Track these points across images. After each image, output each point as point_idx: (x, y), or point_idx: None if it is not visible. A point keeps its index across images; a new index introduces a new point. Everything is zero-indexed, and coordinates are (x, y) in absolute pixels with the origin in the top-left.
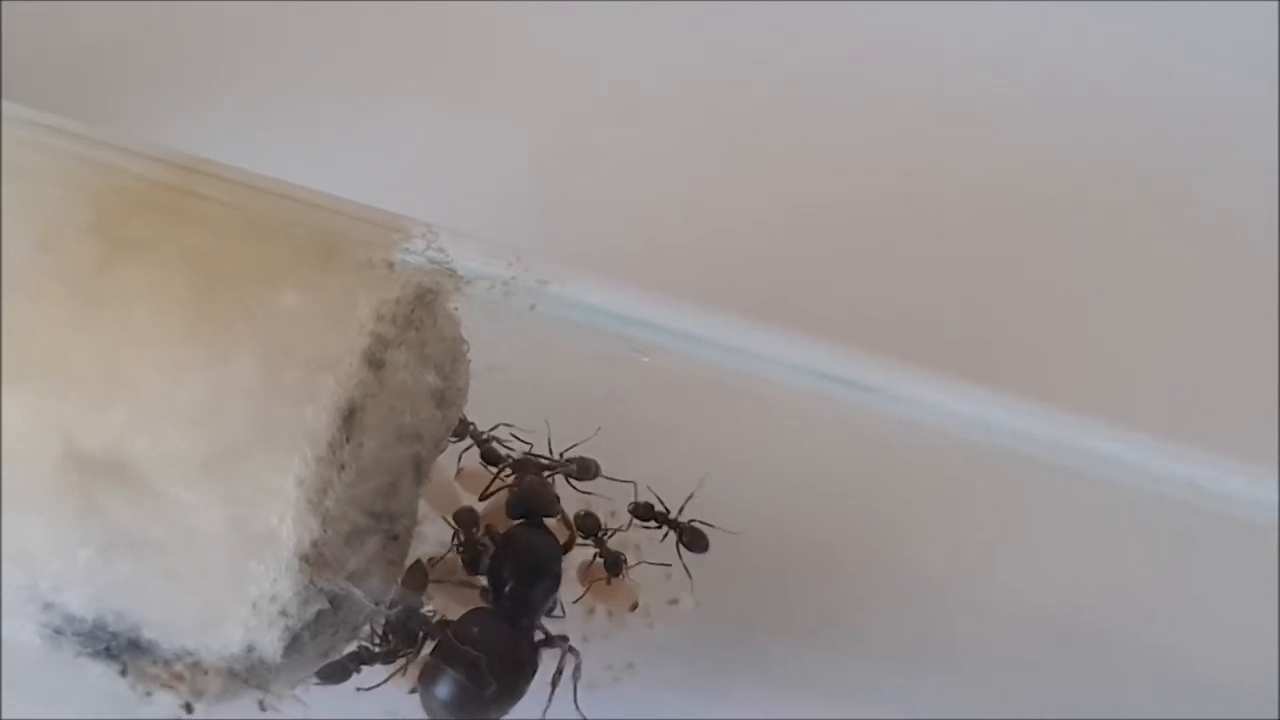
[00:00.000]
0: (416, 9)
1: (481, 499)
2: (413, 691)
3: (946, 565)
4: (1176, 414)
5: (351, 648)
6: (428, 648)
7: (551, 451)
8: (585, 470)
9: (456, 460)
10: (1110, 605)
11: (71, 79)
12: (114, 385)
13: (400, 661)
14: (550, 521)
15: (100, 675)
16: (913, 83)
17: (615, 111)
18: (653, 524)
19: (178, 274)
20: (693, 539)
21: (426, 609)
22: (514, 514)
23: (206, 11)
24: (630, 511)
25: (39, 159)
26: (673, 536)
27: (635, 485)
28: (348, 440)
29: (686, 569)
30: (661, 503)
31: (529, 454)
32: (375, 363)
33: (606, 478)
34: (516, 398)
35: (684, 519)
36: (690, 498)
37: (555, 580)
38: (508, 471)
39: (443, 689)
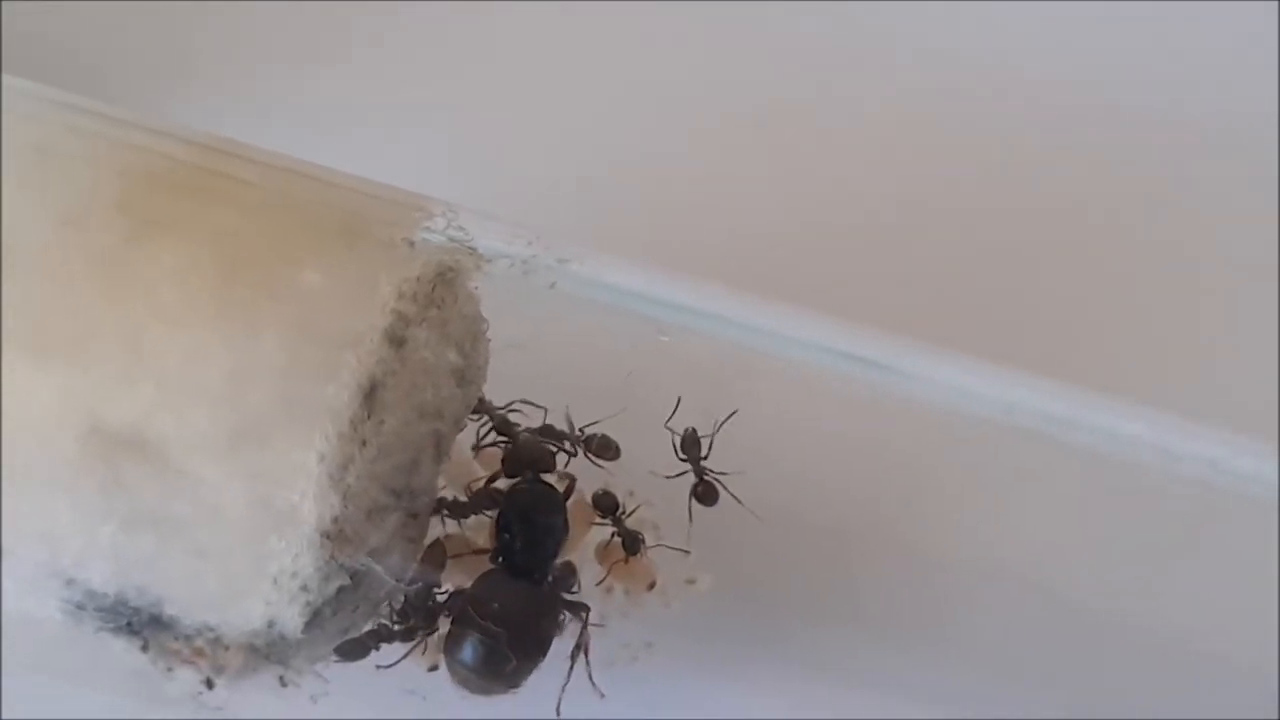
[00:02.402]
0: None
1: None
2: (433, 669)
3: (965, 547)
4: (1188, 392)
5: (370, 625)
6: (445, 626)
7: (572, 428)
8: (606, 448)
9: (475, 437)
10: (1132, 587)
11: (80, 67)
12: (139, 363)
13: (419, 639)
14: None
15: (122, 651)
16: (933, 75)
17: (640, 97)
18: (683, 456)
19: (204, 253)
20: (707, 491)
21: (445, 587)
22: (510, 471)
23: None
24: (683, 437)
25: (68, 139)
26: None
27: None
28: (369, 417)
29: (690, 514)
30: (710, 447)
31: (548, 425)
32: (397, 340)
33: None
34: (536, 376)
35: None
36: (712, 440)
37: (561, 531)
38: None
39: (468, 652)
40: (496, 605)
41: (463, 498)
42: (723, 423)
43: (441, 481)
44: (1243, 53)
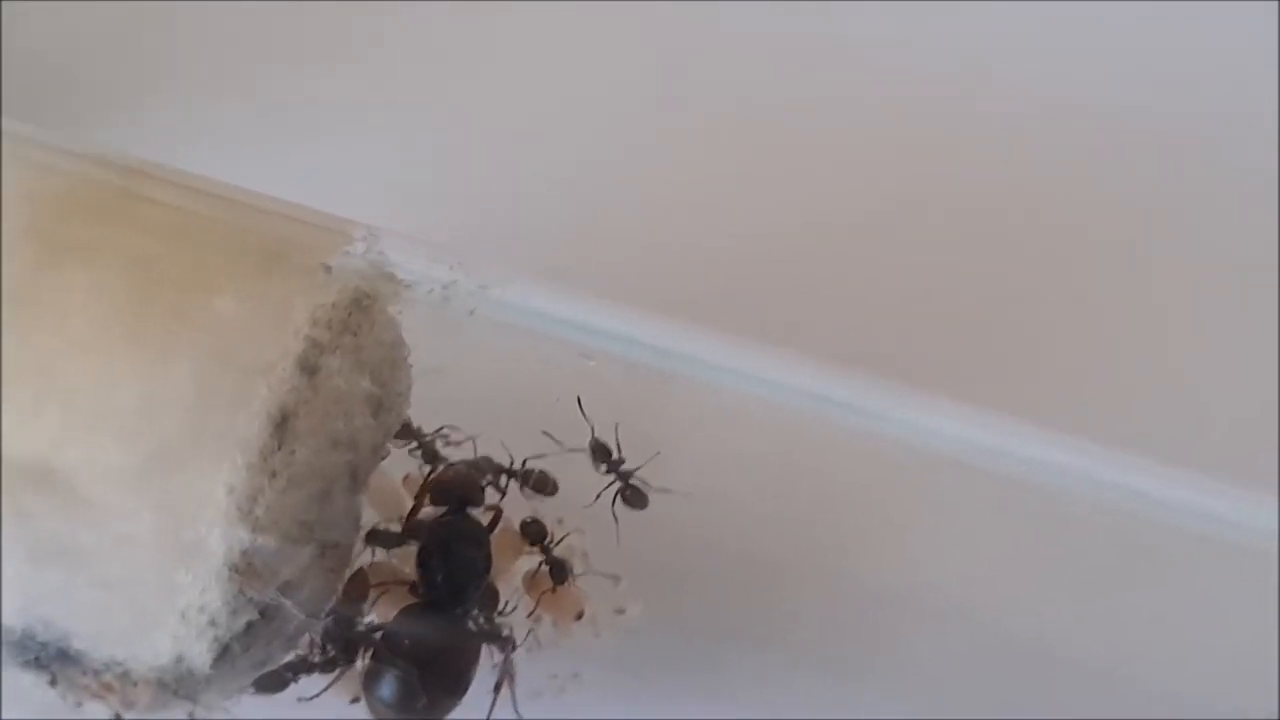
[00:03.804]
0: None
1: (417, 500)
2: (354, 701)
3: (899, 578)
4: (1172, 432)
5: (289, 657)
6: (367, 657)
7: (511, 462)
8: (544, 484)
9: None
10: (1081, 626)
11: (53, 74)
12: (47, 392)
13: (339, 671)
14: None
15: (31, 685)
16: (909, 87)
17: (586, 112)
18: (604, 469)
19: (116, 278)
20: (634, 496)
21: (369, 617)
22: (437, 501)
23: (192, 10)
24: (590, 447)
25: None
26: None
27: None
28: (280, 447)
29: (616, 517)
30: (619, 450)
31: (485, 457)
32: (309, 368)
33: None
34: (459, 403)
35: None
36: (618, 442)
37: (485, 566)
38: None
39: (385, 689)
40: (414, 641)
41: (394, 528)
42: (615, 430)
43: (367, 511)
44: (1244, 54)
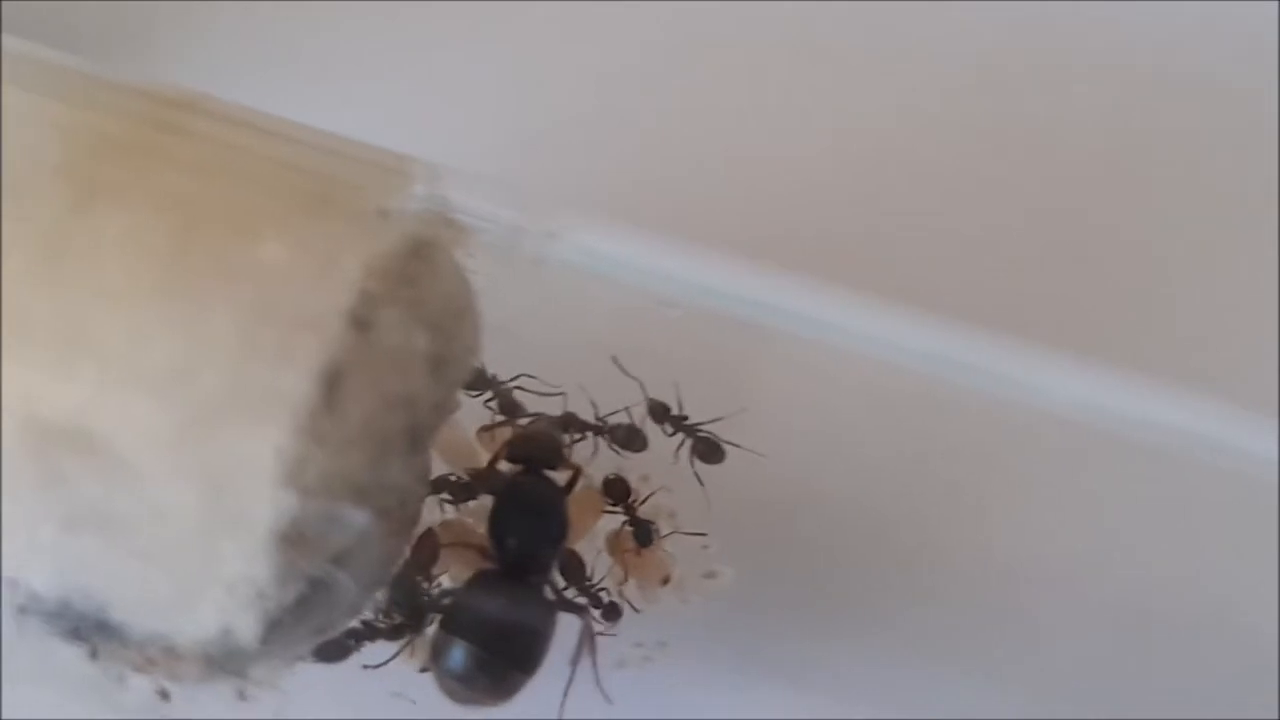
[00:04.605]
0: None
1: (493, 458)
2: (423, 671)
3: (1010, 551)
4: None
5: (352, 623)
6: (436, 624)
7: (596, 417)
8: (632, 439)
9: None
10: (1219, 598)
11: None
12: (80, 346)
13: (406, 639)
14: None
15: (71, 659)
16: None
17: (662, 44)
18: (667, 427)
19: (153, 222)
20: (708, 449)
21: (439, 579)
22: (513, 458)
23: None
24: (647, 407)
25: (6, 93)
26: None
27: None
28: (330, 408)
29: (697, 475)
30: (680, 407)
31: (569, 413)
32: (362, 323)
33: None
34: (531, 354)
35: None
36: (717, 419)
37: (559, 531)
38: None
39: (454, 661)
40: (487, 611)
41: (465, 478)
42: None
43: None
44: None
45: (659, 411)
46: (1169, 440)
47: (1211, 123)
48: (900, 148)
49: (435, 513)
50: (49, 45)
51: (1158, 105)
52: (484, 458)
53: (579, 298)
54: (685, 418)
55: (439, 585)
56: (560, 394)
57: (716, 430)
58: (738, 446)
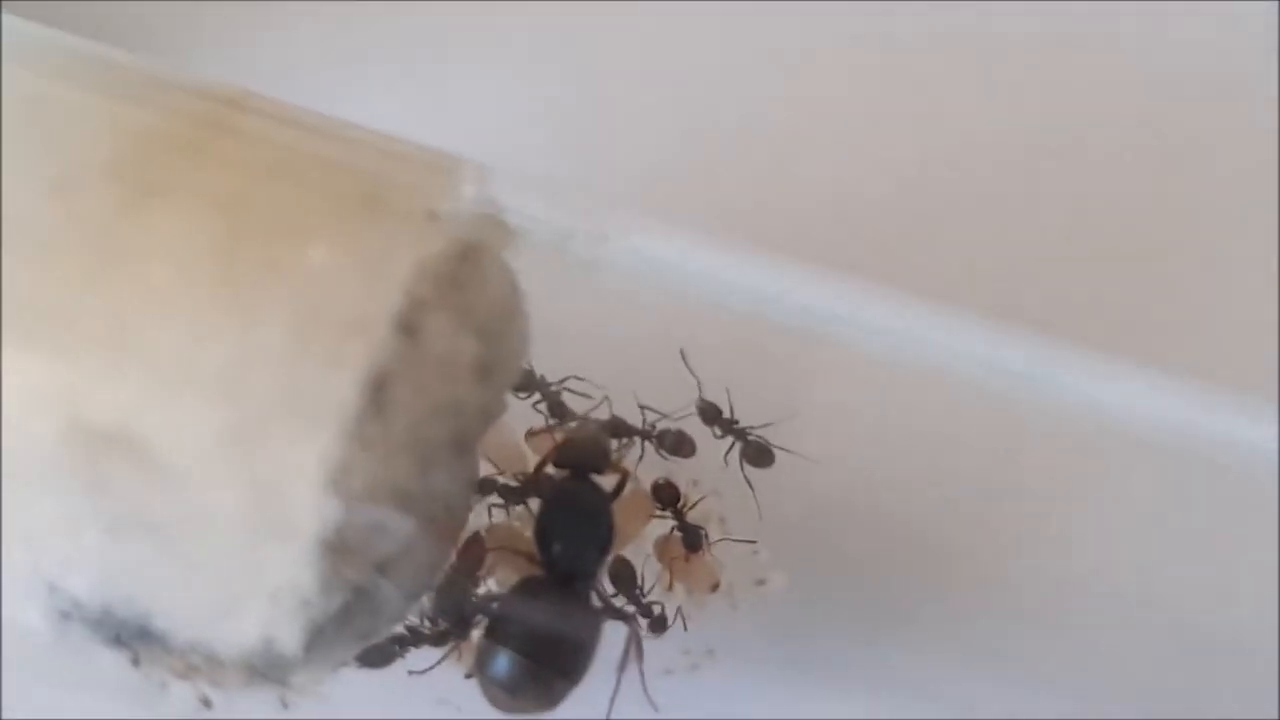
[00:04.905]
0: None
1: (541, 462)
2: (469, 677)
3: (1062, 557)
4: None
5: (397, 629)
6: (481, 629)
7: (644, 422)
8: (681, 445)
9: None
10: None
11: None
12: (127, 350)
13: (451, 644)
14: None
15: (112, 665)
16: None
17: (716, 50)
18: (716, 430)
19: (202, 225)
20: (758, 453)
21: (486, 583)
22: (561, 463)
23: None
24: (697, 408)
25: (58, 89)
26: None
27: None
28: (377, 414)
29: (748, 480)
30: (731, 411)
31: (616, 418)
32: (410, 328)
33: None
34: (578, 359)
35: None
36: (769, 424)
37: (606, 538)
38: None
39: (498, 669)
40: (532, 619)
41: (513, 482)
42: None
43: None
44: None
45: (710, 413)
46: (1228, 449)
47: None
48: (941, 154)
49: (482, 516)
50: (96, 40)
51: (1165, 107)
52: (532, 461)
53: (629, 300)
54: (736, 421)
55: (486, 590)
56: (604, 399)
57: (767, 435)
58: (788, 451)
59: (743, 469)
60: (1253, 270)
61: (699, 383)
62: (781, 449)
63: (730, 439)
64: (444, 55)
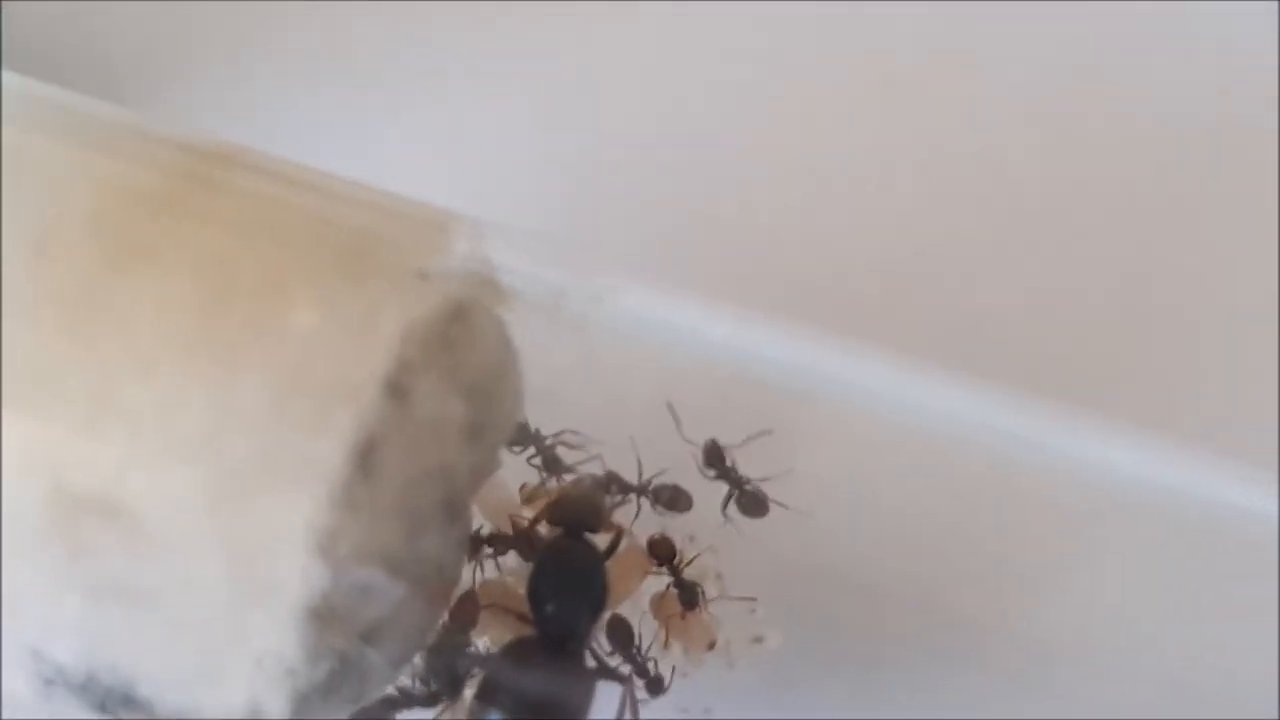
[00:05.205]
0: None
1: (534, 519)
2: None
3: (1059, 622)
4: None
5: (388, 690)
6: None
7: (640, 477)
8: (676, 501)
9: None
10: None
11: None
12: (109, 413)
13: (443, 706)
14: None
15: None
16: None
17: (713, 96)
18: (711, 473)
19: (187, 282)
20: (751, 503)
21: (479, 641)
22: (554, 520)
23: None
24: (704, 449)
25: (39, 142)
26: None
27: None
28: (364, 479)
29: (728, 518)
30: (722, 454)
31: (612, 473)
32: (399, 391)
33: None
34: (572, 417)
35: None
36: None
37: (599, 598)
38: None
39: None
40: (523, 682)
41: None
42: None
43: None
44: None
45: (713, 455)
46: (1217, 512)
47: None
48: (947, 221)
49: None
50: (80, 91)
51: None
52: (524, 514)
53: (624, 359)
54: (734, 468)
55: (479, 649)
56: (597, 455)
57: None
58: (784, 506)
59: (726, 515)
60: (1255, 331)
61: (688, 439)
62: (778, 504)
63: (725, 484)
64: (438, 105)
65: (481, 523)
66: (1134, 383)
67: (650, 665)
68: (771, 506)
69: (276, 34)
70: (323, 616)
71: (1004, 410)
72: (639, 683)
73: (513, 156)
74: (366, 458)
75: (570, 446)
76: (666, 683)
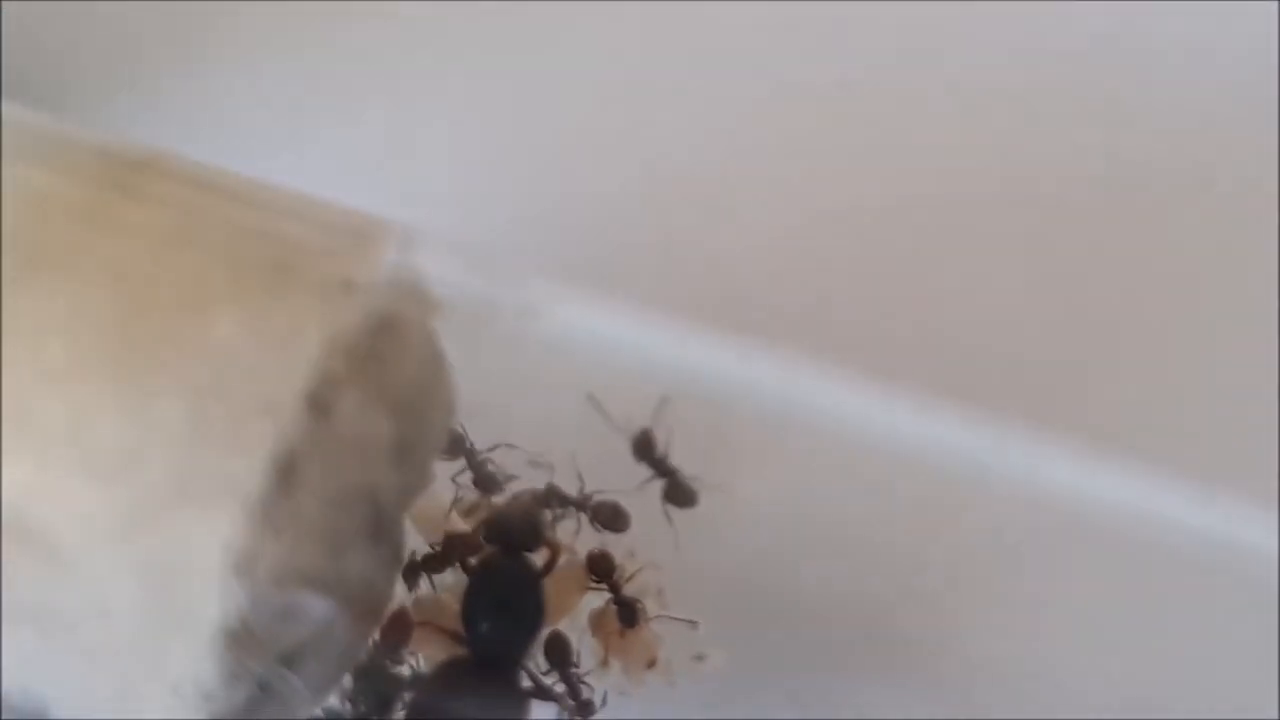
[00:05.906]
0: None
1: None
2: None
3: (1015, 650)
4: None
5: (315, 713)
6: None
7: (580, 493)
8: (615, 519)
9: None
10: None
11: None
12: (20, 431)
13: None
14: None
15: None
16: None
17: (622, 104)
18: (645, 465)
19: (101, 295)
20: (680, 493)
21: (410, 660)
22: (490, 538)
23: None
24: (632, 440)
25: None
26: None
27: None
28: (284, 498)
29: (669, 518)
30: (664, 449)
31: (551, 487)
32: (321, 406)
33: None
34: (507, 432)
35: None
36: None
37: (535, 619)
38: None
39: None
40: (452, 706)
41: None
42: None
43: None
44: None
45: (642, 446)
46: (1178, 536)
47: None
48: (896, 228)
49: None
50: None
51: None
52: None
53: (558, 372)
54: (664, 459)
55: (411, 669)
56: (549, 464)
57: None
58: (713, 490)
59: (664, 508)
60: (1253, 365)
61: (611, 425)
62: (710, 487)
63: (654, 474)
64: (374, 109)
65: (414, 547)
66: (1099, 400)
67: (583, 687)
68: (701, 497)
69: (226, 34)
70: (241, 640)
71: (953, 428)
72: (570, 704)
73: (463, 159)
74: (287, 476)
75: (503, 461)
76: (598, 707)
